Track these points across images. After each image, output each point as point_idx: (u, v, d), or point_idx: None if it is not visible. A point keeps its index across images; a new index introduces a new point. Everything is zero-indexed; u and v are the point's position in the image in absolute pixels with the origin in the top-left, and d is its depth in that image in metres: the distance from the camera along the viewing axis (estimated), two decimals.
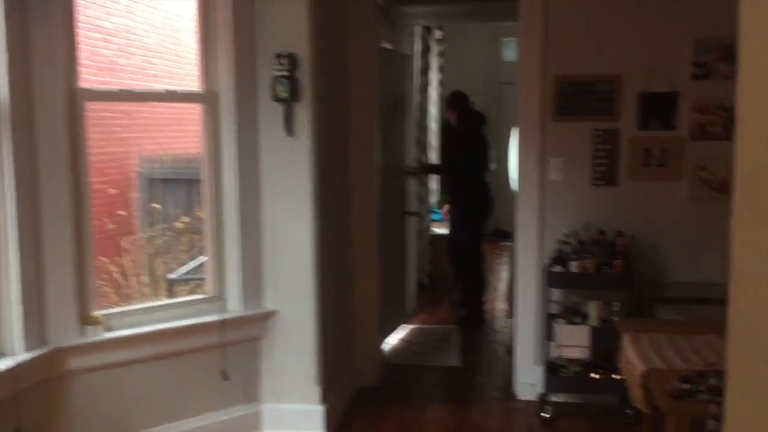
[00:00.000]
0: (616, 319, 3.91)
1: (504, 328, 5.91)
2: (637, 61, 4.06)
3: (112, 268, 5.05)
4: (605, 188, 4.16)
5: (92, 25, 4.76)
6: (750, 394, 1.12)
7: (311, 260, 3.71)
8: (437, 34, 7.37)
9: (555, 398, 4.17)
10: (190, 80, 4.19)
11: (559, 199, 4.21)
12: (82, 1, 3.21)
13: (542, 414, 4.10)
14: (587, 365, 4.06)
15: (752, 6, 1.08)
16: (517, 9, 4.40)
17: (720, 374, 2.29)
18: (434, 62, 7.35)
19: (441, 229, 7.38)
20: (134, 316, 3.44)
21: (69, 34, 3.08)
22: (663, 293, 4.05)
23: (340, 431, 3.96)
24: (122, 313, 3.42)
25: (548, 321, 4.10)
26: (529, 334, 4.31)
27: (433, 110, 7.48)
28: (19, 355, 2.98)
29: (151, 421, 3.47)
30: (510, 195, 9.86)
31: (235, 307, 3.72)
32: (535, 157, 4.21)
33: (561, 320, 4.01)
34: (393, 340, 5.48)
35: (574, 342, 3.95)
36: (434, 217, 7.56)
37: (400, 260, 6.02)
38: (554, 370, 4.12)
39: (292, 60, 3.57)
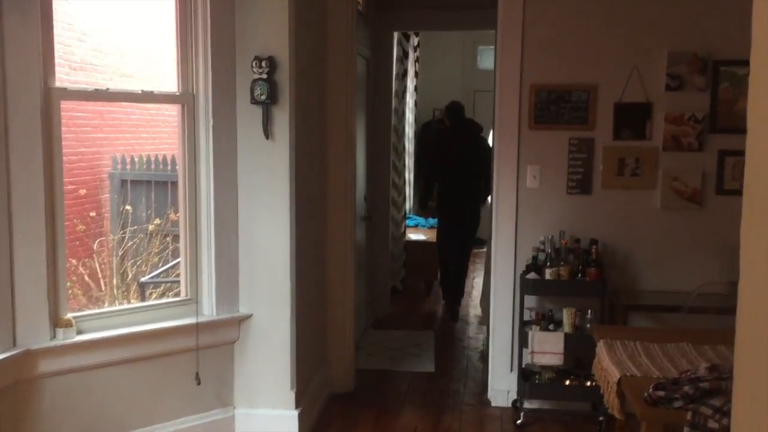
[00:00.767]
0: (589, 326, 3.95)
1: (477, 334, 5.94)
2: (613, 71, 4.11)
3: (82, 270, 4.98)
4: (580, 196, 4.20)
5: (66, 23, 4.70)
6: (758, 397, 1.12)
7: (288, 264, 3.69)
8: (414, 40, 7.40)
9: (528, 405, 4.19)
10: (165, 81, 4.15)
11: (535, 206, 4.24)
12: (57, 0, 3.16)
13: (516, 420, 4.11)
14: (561, 372, 4.10)
15: (765, 13, 1.08)
16: (494, 17, 4.44)
17: (694, 382, 2.33)
18: (411, 68, 7.37)
19: (416, 235, 7.40)
20: (106, 319, 3.38)
21: (45, 32, 3.03)
22: (635, 301, 4.09)
23: None
24: (94, 315, 3.37)
25: (522, 328, 4.13)
26: (504, 341, 4.33)
27: (410, 116, 7.50)
28: None
29: (123, 426, 3.42)
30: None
31: (209, 310, 3.69)
32: (511, 164, 4.24)
33: (535, 327, 4.04)
34: (366, 346, 5.47)
35: (548, 349, 3.97)
36: (409, 222, 7.58)
37: (373, 265, 6.02)
38: (528, 377, 4.14)
39: (271, 63, 3.56)
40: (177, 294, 3.99)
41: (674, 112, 4.11)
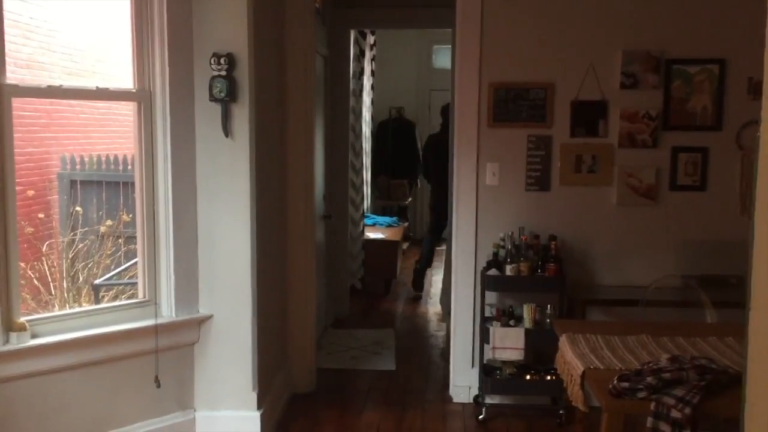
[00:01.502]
0: (549, 321, 4.00)
1: (438, 331, 5.97)
2: (570, 69, 4.17)
3: (31, 273, 4.84)
4: (539, 193, 4.25)
5: (12, 20, 4.56)
6: None
7: (248, 263, 3.65)
8: (371, 38, 7.40)
9: (490, 400, 4.23)
10: (117, 79, 4.05)
11: (495, 203, 4.28)
12: None
13: (478, 416, 4.14)
14: (521, 367, 4.14)
15: None
16: (450, 16, 4.46)
17: (657, 373, 2.38)
18: (367, 67, 7.36)
19: (374, 234, 7.40)
20: (62, 322, 3.29)
21: None
22: (593, 295, 4.16)
23: None
24: (49, 318, 3.27)
25: (483, 324, 4.16)
26: (465, 337, 4.36)
27: (366, 114, 7.49)
28: None
29: (81, 431, 3.33)
30: None
31: (168, 311, 3.62)
32: (471, 162, 4.27)
33: (496, 323, 4.07)
34: (327, 345, 5.45)
35: (508, 344, 4.01)
36: (367, 221, 7.57)
37: (332, 264, 5.99)
38: (489, 373, 4.18)
39: (230, 59, 3.51)
40: (132, 296, 3.91)
41: (629, 110, 4.19)
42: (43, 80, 4.85)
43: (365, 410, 4.31)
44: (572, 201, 4.25)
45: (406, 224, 8.86)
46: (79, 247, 5.28)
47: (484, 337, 4.12)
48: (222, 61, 3.50)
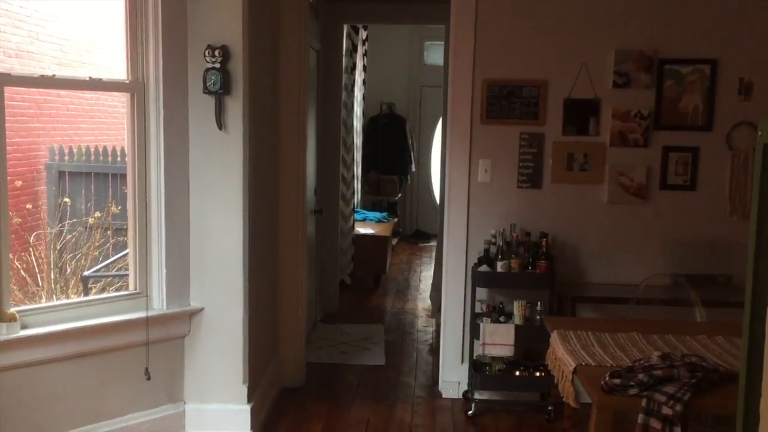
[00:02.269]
0: (539, 317, 4.03)
1: (427, 327, 5.98)
2: (563, 68, 4.19)
3: (18, 264, 4.80)
4: (531, 190, 4.27)
5: (1, 9, 4.52)
6: None
7: (240, 257, 3.64)
8: (363, 34, 7.39)
9: (479, 395, 4.25)
10: (109, 70, 4.03)
11: (486, 200, 4.29)
12: None
13: (467, 411, 4.16)
14: (511, 363, 4.16)
15: None
16: (444, 12, 4.46)
17: (648, 370, 2.40)
18: (359, 62, 7.35)
19: (364, 229, 7.41)
20: (52, 313, 3.27)
21: None
22: (583, 293, 4.19)
23: (265, 431, 3.91)
24: (40, 309, 3.26)
25: (474, 320, 4.18)
26: (455, 333, 4.38)
27: (358, 110, 7.49)
28: None
29: (71, 423, 3.32)
30: (430, 197, 10.05)
31: (159, 304, 3.61)
32: (463, 158, 4.28)
33: (486, 319, 4.09)
34: (317, 340, 5.45)
35: (498, 340, 4.03)
36: (357, 216, 7.57)
37: (322, 259, 6.00)
38: (479, 368, 4.20)
39: (224, 52, 3.50)
40: (120, 288, 3.90)
41: (621, 109, 4.21)
42: (34, 70, 4.82)
43: (354, 405, 4.31)
44: (564, 199, 4.27)
45: (396, 220, 8.87)
46: (67, 238, 5.25)
47: (474, 333, 4.14)
48: (216, 53, 3.49)
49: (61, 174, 5.66)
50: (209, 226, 3.64)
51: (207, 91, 3.52)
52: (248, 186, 3.65)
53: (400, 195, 9.58)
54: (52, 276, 5.11)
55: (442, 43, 6.53)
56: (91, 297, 3.72)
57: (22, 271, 4.85)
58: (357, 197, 8.06)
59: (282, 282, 4.47)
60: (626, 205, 4.25)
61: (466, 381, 4.33)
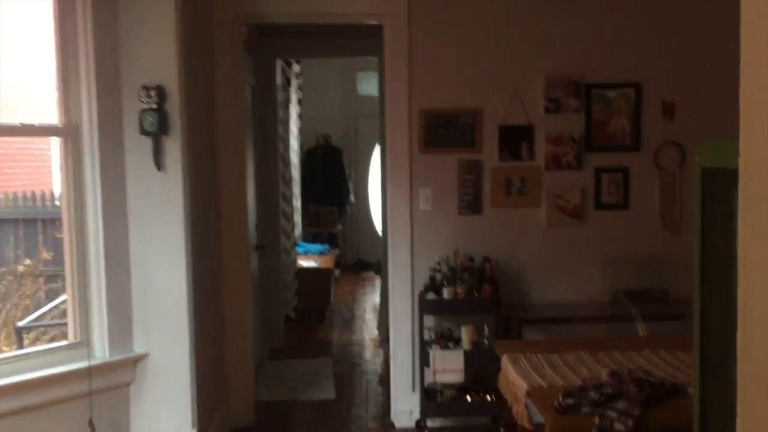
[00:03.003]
0: (486, 342, 4.07)
1: (375, 358, 5.97)
2: (496, 95, 4.30)
3: None
4: (472, 216, 4.34)
5: None
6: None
7: (185, 298, 3.57)
8: (296, 68, 7.42)
9: (432, 423, 4.25)
10: (37, 113, 3.92)
11: (429, 227, 4.34)
12: None
13: None
14: (461, 389, 4.19)
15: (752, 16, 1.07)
16: (374, 45, 4.52)
17: (599, 388, 2.45)
18: (294, 96, 7.37)
19: (306, 262, 7.37)
20: None
21: None
22: (528, 314, 4.26)
23: None
24: None
25: (423, 347, 4.19)
26: (405, 362, 4.38)
27: (294, 143, 7.49)
28: None
29: None
30: (370, 226, 10.08)
31: (101, 352, 3.50)
32: (404, 187, 4.32)
33: (436, 346, 4.11)
34: (265, 377, 5.37)
35: (449, 367, 4.05)
36: (299, 250, 7.53)
37: (266, 295, 5.93)
38: (431, 396, 4.21)
39: (160, 92, 3.46)
40: (54, 338, 3.77)
41: (553, 133, 4.34)
42: None
43: None
44: (504, 223, 4.35)
45: (337, 251, 8.86)
46: None
47: (425, 361, 4.15)
48: (152, 93, 3.45)
49: None
50: (151, 268, 3.56)
51: (144, 132, 3.47)
52: (190, 226, 3.60)
53: (340, 226, 9.58)
54: None
55: (375, 73, 6.63)
56: (30, 349, 3.57)
57: None
58: (298, 230, 8.02)
59: (227, 321, 4.40)
60: (564, 226, 4.37)
61: (419, 409, 4.33)
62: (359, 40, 5.95)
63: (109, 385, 3.51)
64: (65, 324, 3.62)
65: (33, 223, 5.63)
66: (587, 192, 4.38)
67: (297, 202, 7.92)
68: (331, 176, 9.35)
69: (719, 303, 1.32)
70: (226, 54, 4.30)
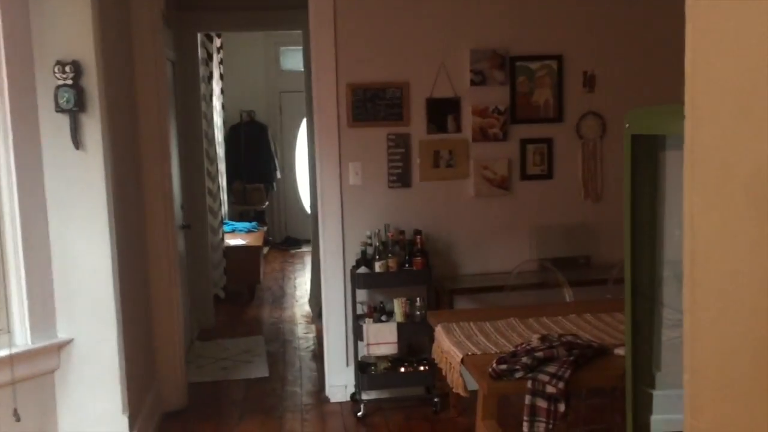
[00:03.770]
0: (419, 313, 4.12)
1: (307, 334, 5.96)
2: (423, 68, 4.31)
3: None
4: (401, 190, 4.36)
5: None
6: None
7: (110, 280, 3.47)
8: (217, 42, 7.24)
9: (367, 396, 4.28)
10: None
11: (359, 202, 4.34)
12: None
13: (356, 413, 4.19)
14: (395, 360, 4.23)
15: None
16: (298, 18, 4.44)
17: (530, 353, 2.52)
18: (216, 71, 7.20)
19: (234, 240, 7.26)
20: None
21: None
22: (459, 285, 4.33)
23: None
24: None
25: (357, 321, 4.21)
26: (338, 337, 4.39)
27: (218, 119, 7.33)
28: None
29: None
30: (297, 202, 10.00)
31: (22, 339, 3.36)
32: (333, 162, 4.30)
33: (369, 320, 4.13)
34: (196, 358, 5.29)
35: (382, 339, 4.09)
36: (226, 228, 7.41)
37: (194, 275, 5.83)
38: (365, 369, 4.23)
39: (76, 67, 3.31)
40: None
41: (480, 106, 4.39)
42: None
43: (242, 421, 4.23)
44: (433, 195, 4.39)
45: (265, 228, 8.76)
46: None
47: (358, 335, 4.17)
48: (67, 69, 3.30)
49: None
50: (73, 251, 3.43)
51: (59, 109, 3.32)
52: (112, 206, 3.48)
53: (267, 203, 9.47)
54: None
55: (299, 48, 6.53)
56: None
57: None
58: (224, 209, 7.88)
59: (155, 302, 4.30)
60: (492, 197, 4.44)
61: (353, 383, 4.35)
62: (283, 13, 5.85)
63: (33, 373, 3.38)
64: None
65: None
66: (513, 163, 4.46)
67: (222, 180, 7.77)
68: (256, 153, 9.22)
69: (647, 265, 1.37)
70: (145, 27, 4.14)
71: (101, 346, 3.50)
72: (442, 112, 4.36)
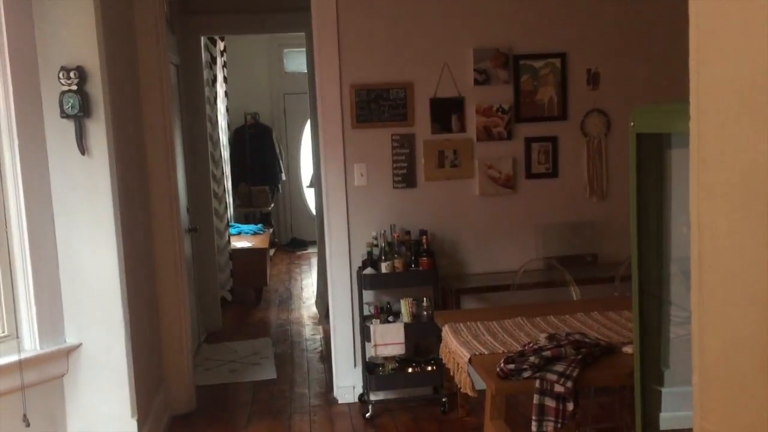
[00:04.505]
0: (425, 313, 4.12)
1: (314, 335, 5.97)
2: (427, 69, 4.31)
3: None
4: (406, 190, 4.36)
5: None
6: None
7: (117, 285, 3.48)
8: (220, 45, 7.25)
9: (374, 397, 4.29)
10: None
11: (365, 203, 4.34)
12: None
13: (364, 414, 4.19)
14: (402, 361, 4.23)
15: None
16: (301, 20, 4.44)
17: (538, 352, 2.52)
18: (219, 74, 7.21)
19: (240, 243, 7.28)
20: None
21: None
22: (465, 284, 4.33)
23: None
24: None
25: (364, 322, 4.21)
26: (345, 338, 4.40)
27: (223, 122, 7.34)
28: None
29: None
30: (303, 204, 10.01)
31: (31, 345, 3.37)
32: (338, 164, 4.30)
33: (376, 321, 4.14)
34: (203, 361, 5.30)
35: (389, 340, 4.09)
36: (233, 231, 7.42)
37: (201, 278, 5.84)
38: (372, 370, 4.24)
39: (80, 73, 3.32)
40: None
41: (483, 105, 4.39)
42: None
43: (251, 423, 4.23)
44: (438, 195, 4.39)
45: (271, 230, 8.77)
46: None
47: (365, 336, 4.17)
48: (72, 74, 3.30)
49: None
50: (80, 256, 3.44)
51: (65, 115, 3.33)
52: (118, 210, 3.49)
53: (272, 205, 9.48)
54: None
55: (302, 49, 6.54)
56: None
57: None
58: (230, 211, 7.90)
59: (162, 305, 4.31)
60: (497, 196, 4.44)
61: (361, 384, 4.36)
62: (286, 16, 5.85)
63: (42, 378, 3.40)
64: None
65: None
66: (518, 162, 4.46)
67: (228, 183, 7.79)
68: (261, 155, 9.23)
69: (654, 263, 1.37)
70: (149, 32, 4.16)
71: (109, 350, 3.51)
72: (446, 111, 4.36)
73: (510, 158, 4.43)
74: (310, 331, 6.09)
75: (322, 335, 5.85)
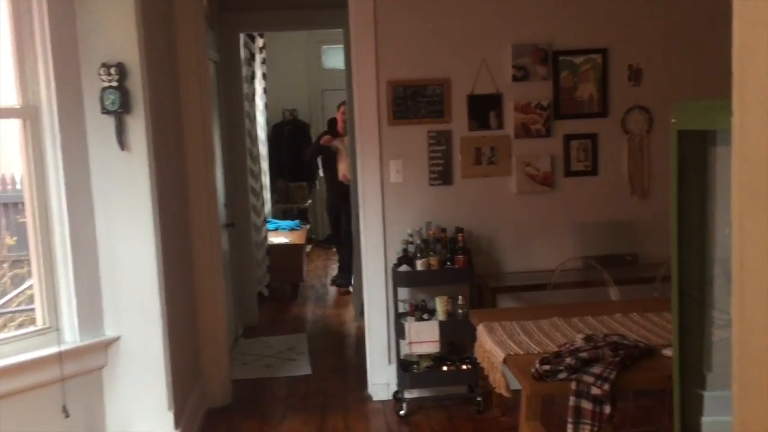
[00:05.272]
0: (461, 311, 4.09)
1: (350, 331, 5.97)
2: (464, 65, 4.27)
3: None
4: (442, 187, 4.33)
5: None
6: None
7: (155, 279, 3.52)
8: (259, 41, 7.30)
9: (409, 394, 4.27)
10: None
11: (400, 200, 4.33)
12: None
13: (398, 411, 4.18)
14: (437, 359, 4.21)
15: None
16: (339, 16, 4.43)
17: (574, 353, 2.47)
18: (258, 70, 7.26)
19: (277, 239, 7.32)
20: None
21: None
22: (501, 283, 4.28)
23: None
24: None
25: (398, 320, 4.20)
26: (380, 335, 4.39)
27: (261, 118, 7.39)
28: None
29: None
30: None
31: (71, 337, 3.43)
32: (374, 160, 4.29)
33: (411, 318, 4.12)
34: (240, 356, 5.34)
35: (424, 338, 4.07)
36: (270, 226, 7.47)
37: (238, 273, 5.89)
38: (407, 367, 4.22)
39: (121, 70, 3.37)
40: (22, 324, 3.70)
41: (522, 101, 4.33)
42: None
43: (286, 418, 4.25)
44: (475, 192, 4.35)
45: (308, 226, 8.81)
46: None
47: (400, 333, 4.16)
48: (112, 71, 3.35)
49: None
50: (119, 249, 3.49)
51: (105, 111, 3.38)
52: (157, 205, 3.53)
53: (309, 201, 9.52)
54: None
55: (340, 46, 6.54)
56: None
57: None
58: (267, 207, 7.95)
59: (200, 300, 4.35)
60: (534, 194, 4.38)
61: (395, 381, 4.34)
62: (324, 12, 5.86)
63: (81, 370, 3.46)
64: (33, 309, 3.55)
65: None
66: (557, 159, 4.39)
67: (266, 179, 7.84)
68: (299, 151, 9.26)
69: (696, 264, 1.33)
70: (188, 29, 4.19)
71: (147, 344, 3.55)
72: (483, 108, 4.31)
73: (548, 156, 4.37)
74: (345, 328, 6.09)
75: (356, 332, 5.85)
